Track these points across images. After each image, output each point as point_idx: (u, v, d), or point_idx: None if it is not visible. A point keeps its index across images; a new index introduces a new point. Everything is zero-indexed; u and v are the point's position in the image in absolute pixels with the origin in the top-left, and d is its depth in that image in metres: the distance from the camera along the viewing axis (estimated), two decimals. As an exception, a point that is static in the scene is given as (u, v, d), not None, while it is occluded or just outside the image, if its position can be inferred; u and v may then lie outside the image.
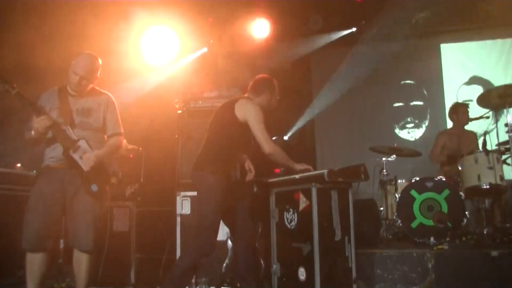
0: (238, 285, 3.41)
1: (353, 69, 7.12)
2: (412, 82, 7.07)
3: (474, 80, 6.73)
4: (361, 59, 7.14)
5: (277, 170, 3.96)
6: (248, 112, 3.11)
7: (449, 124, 5.44)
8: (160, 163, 4.96)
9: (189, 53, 6.27)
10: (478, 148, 4.47)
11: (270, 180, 3.52)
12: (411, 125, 6.99)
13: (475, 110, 4.75)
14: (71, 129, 3.06)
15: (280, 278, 3.37)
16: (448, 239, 3.94)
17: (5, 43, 5.07)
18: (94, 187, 3.04)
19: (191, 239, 3.14)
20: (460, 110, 5.06)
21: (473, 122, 4.76)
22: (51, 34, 5.16)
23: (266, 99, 3.31)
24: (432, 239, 3.90)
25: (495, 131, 4.42)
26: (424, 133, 6.89)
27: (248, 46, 6.20)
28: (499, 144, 4.34)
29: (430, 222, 4.11)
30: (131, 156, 4.38)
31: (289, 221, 3.31)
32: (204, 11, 5.96)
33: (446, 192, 4.18)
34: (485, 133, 4.36)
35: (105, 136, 3.27)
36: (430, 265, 3.55)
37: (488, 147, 4.21)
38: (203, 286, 3.79)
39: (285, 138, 6.86)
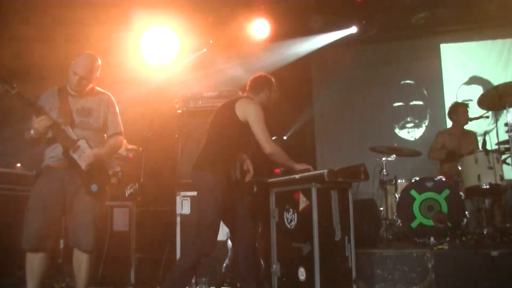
0: (238, 285, 3.41)
1: (353, 69, 7.14)
2: (412, 82, 7.08)
3: (474, 80, 6.74)
4: (361, 59, 7.16)
5: (277, 170, 3.96)
6: (248, 112, 3.10)
7: (449, 124, 5.44)
8: (160, 163, 4.97)
9: (189, 53, 6.27)
10: (478, 148, 4.47)
11: (270, 180, 3.52)
12: (411, 125, 6.99)
13: (475, 110, 4.75)
14: (71, 129, 3.06)
15: (280, 278, 3.36)
16: (448, 239, 3.94)
17: (5, 43, 5.08)
18: (94, 187, 3.04)
19: (191, 239, 3.14)
20: (460, 110, 5.06)
21: (473, 121, 4.77)
22: (51, 34, 5.16)
23: (266, 96, 3.32)
24: (432, 239, 3.90)
25: (495, 130, 4.42)
26: (424, 133, 6.90)
27: (248, 46, 6.20)
28: (499, 144, 4.34)
29: (430, 222, 4.10)
30: (131, 156, 4.38)
31: (289, 221, 3.31)
32: (204, 11, 5.96)
33: (446, 192, 4.17)
34: (485, 133, 4.37)
35: (105, 136, 3.27)
36: (430, 265, 3.55)
37: (488, 147, 4.22)
38: (203, 286, 3.79)
39: (284, 138, 6.86)
